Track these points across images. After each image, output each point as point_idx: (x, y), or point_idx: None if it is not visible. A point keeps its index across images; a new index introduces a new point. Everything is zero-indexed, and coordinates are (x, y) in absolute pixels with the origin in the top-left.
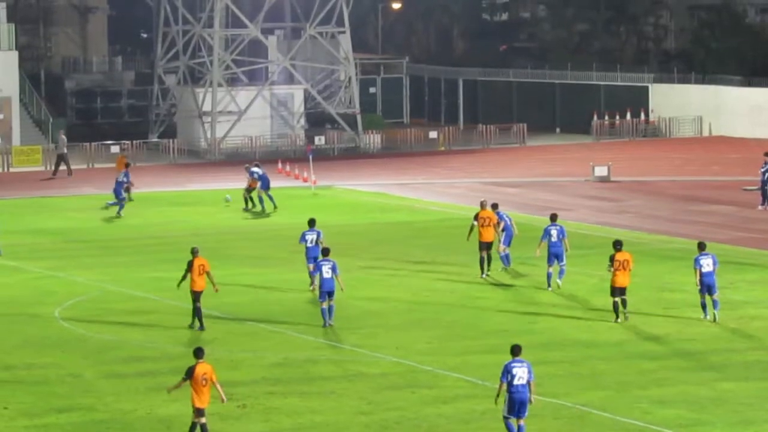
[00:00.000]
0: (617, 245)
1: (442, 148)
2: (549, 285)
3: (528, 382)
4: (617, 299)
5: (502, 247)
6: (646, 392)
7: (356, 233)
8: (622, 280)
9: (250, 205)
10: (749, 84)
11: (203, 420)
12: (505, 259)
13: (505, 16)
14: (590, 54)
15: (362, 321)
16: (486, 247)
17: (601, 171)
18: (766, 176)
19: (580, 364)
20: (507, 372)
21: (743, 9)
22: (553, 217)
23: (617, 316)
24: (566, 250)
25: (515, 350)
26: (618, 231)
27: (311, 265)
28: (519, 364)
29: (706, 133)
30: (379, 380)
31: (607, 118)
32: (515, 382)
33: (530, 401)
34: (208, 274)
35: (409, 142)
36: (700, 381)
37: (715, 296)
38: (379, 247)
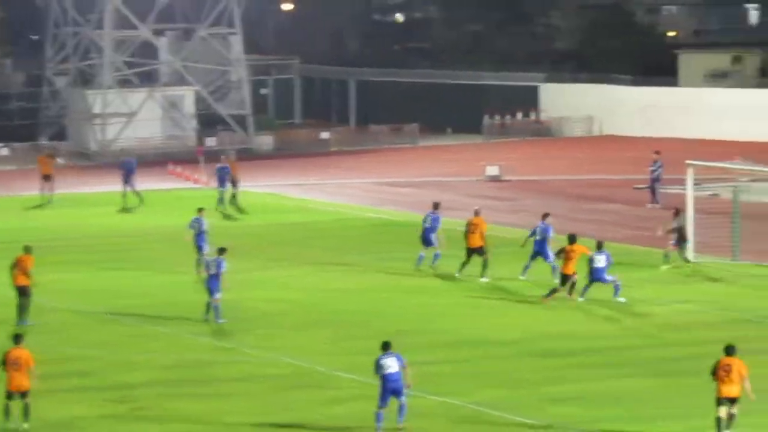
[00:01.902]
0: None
1: (334, 149)
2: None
3: (400, 368)
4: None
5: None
6: (540, 390)
7: (250, 234)
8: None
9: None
10: (639, 83)
11: (23, 401)
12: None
13: (397, 17)
14: (483, 54)
15: (258, 322)
16: (473, 252)
17: (492, 170)
18: (655, 174)
19: (474, 363)
20: (379, 366)
21: (633, 9)
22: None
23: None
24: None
25: (385, 346)
26: (512, 230)
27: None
28: (388, 356)
29: (597, 133)
30: (274, 381)
31: (498, 117)
32: (387, 371)
33: (407, 386)
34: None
35: (301, 143)
36: (594, 378)
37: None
38: (274, 248)
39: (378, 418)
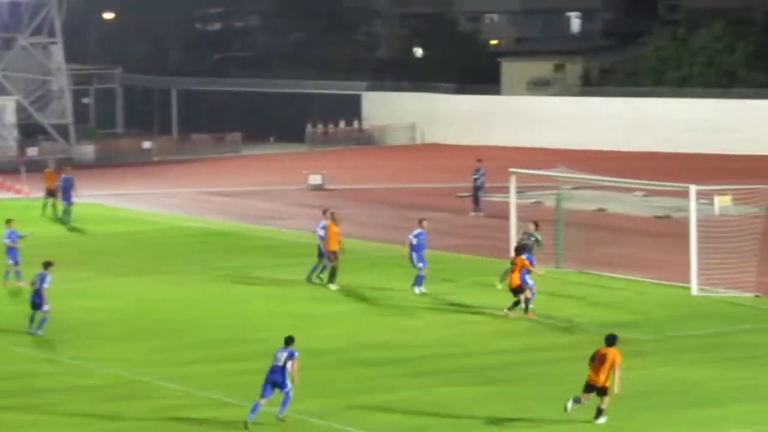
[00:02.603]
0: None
1: (156, 159)
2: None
3: (284, 365)
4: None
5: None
6: (364, 399)
7: (72, 244)
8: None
9: None
10: (462, 91)
11: None
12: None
13: (218, 26)
14: (304, 63)
15: (80, 332)
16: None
17: (315, 179)
18: (478, 182)
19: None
20: (275, 356)
21: (455, 17)
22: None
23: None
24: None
25: (287, 340)
26: None
27: (11, 262)
28: (283, 351)
29: (419, 141)
30: (97, 392)
31: (321, 126)
32: (273, 362)
33: (291, 379)
34: None
35: (123, 153)
36: (417, 387)
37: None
38: (97, 258)
39: (253, 409)
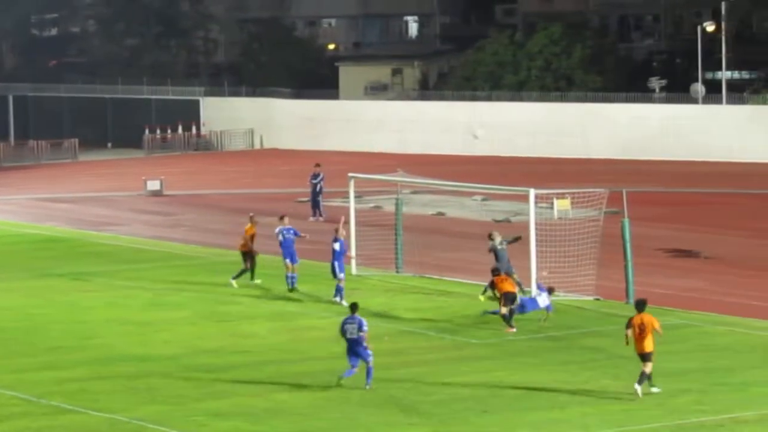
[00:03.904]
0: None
1: None
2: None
3: (359, 335)
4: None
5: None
6: (202, 405)
7: None
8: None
9: None
10: (299, 96)
11: None
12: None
13: (54, 31)
14: (141, 68)
15: None
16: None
17: (153, 185)
18: (318, 187)
19: (135, 379)
20: (341, 328)
21: (292, 22)
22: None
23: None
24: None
25: (352, 307)
26: (173, 245)
27: None
28: (350, 321)
29: (257, 146)
30: None
31: (159, 132)
32: (347, 336)
33: (365, 348)
34: None
35: None
36: (256, 392)
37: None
38: None
39: (346, 373)
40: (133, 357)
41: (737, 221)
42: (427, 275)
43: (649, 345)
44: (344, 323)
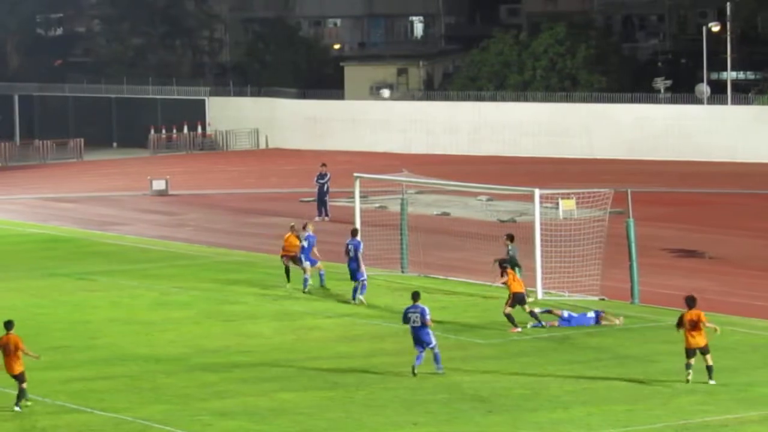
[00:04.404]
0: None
1: None
2: (354, 298)
3: (423, 323)
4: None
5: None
6: (207, 404)
7: None
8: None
9: None
10: (304, 96)
11: (24, 385)
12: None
13: (60, 31)
14: (147, 68)
15: None
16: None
17: (159, 185)
18: (325, 187)
19: (140, 379)
20: (404, 317)
21: (297, 22)
22: (354, 232)
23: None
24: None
25: (414, 296)
26: (178, 244)
27: None
28: (413, 310)
29: (262, 146)
30: None
31: (164, 131)
32: (411, 324)
33: (428, 334)
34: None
35: None
36: (260, 392)
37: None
38: None
39: (416, 362)
40: (138, 357)
41: (742, 221)
42: (432, 275)
43: (704, 338)
44: (407, 312)
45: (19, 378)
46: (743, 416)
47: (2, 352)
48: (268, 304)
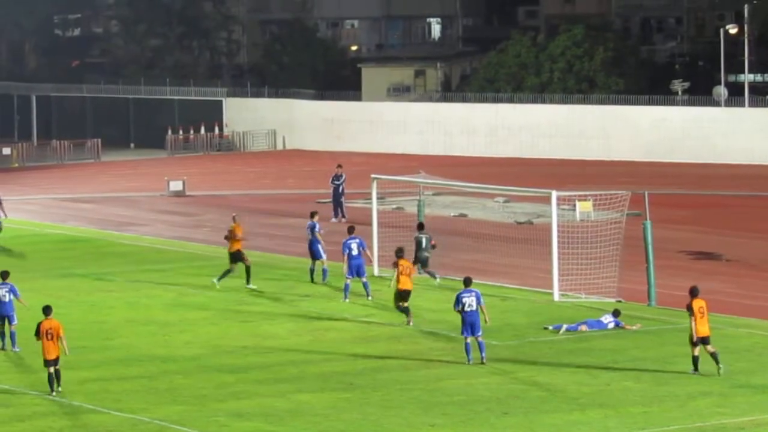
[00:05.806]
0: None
1: (16, 165)
2: (346, 297)
3: (478, 306)
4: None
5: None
6: (223, 405)
7: None
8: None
9: None
10: (322, 98)
11: (53, 369)
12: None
13: (77, 32)
14: (164, 69)
15: None
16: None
17: (176, 185)
18: (340, 189)
19: (157, 379)
20: (458, 301)
21: (315, 23)
22: (350, 229)
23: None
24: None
25: (466, 281)
26: (195, 245)
27: None
28: (468, 294)
29: (280, 147)
30: None
31: (181, 132)
32: (466, 308)
33: (485, 321)
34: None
35: None
36: (277, 393)
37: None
38: None
39: (468, 350)
40: (155, 357)
41: (759, 224)
42: (448, 276)
43: (708, 328)
44: (460, 296)
45: (55, 362)
46: (759, 418)
47: (44, 338)
48: (285, 306)
